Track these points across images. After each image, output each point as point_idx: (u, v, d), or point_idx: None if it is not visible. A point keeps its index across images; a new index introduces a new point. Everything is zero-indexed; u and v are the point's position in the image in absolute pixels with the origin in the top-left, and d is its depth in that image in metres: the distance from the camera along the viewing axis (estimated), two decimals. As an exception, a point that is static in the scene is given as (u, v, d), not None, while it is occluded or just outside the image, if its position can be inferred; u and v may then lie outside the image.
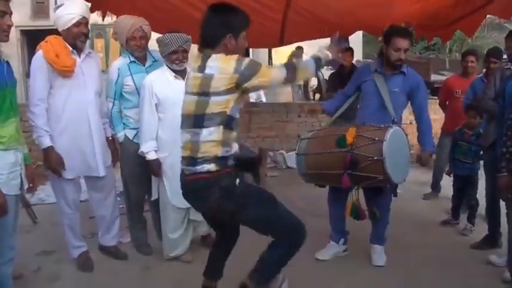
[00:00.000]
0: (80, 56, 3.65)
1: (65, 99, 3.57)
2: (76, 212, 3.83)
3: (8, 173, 2.81)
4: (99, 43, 12.59)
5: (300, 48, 11.54)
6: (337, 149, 3.58)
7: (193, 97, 2.59)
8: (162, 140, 3.73)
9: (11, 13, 2.74)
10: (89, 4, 3.85)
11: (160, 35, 3.69)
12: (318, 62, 2.68)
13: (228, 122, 2.56)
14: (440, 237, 4.65)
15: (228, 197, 2.61)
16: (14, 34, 12.22)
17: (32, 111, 3.50)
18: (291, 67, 2.57)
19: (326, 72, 9.29)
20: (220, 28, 2.55)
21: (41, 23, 11.44)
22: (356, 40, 9.13)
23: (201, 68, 2.55)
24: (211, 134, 2.55)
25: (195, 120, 2.59)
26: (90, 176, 3.81)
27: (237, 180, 2.62)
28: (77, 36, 3.55)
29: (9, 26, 2.73)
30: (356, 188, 3.73)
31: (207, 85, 2.51)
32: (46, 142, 3.52)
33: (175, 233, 3.92)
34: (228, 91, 2.50)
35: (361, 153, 3.47)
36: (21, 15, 12.01)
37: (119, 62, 3.95)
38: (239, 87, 2.51)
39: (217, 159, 2.57)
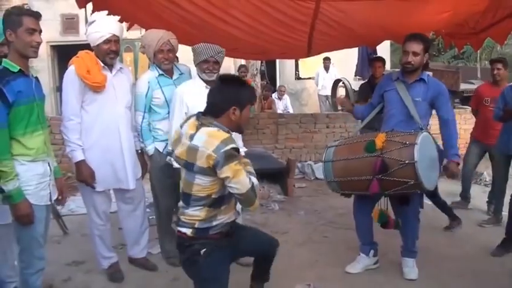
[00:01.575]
0: (111, 71, 3.71)
1: (97, 113, 3.65)
2: (107, 222, 3.88)
3: (37, 184, 2.89)
4: (128, 57, 12.78)
5: (327, 59, 11.54)
6: (366, 154, 3.54)
7: (182, 168, 2.68)
8: None
9: (40, 31, 2.85)
10: (119, 22, 3.89)
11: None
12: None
13: (213, 203, 2.62)
14: (473, 249, 4.53)
15: (192, 262, 2.71)
16: (45, 49, 12.52)
17: (65, 126, 3.58)
18: (254, 186, 2.54)
19: (355, 83, 9.25)
20: (227, 99, 2.61)
21: (70, 38, 11.73)
22: (383, 49, 9.06)
23: (191, 137, 2.59)
24: (195, 211, 2.64)
25: (183, 196, 2.69)
26: (120, 188, 3.85)
27: (203, 250, 2.65)
28: (106, 54, 3.62)
29: (39, 43, 2.84)
30: (385, 195, 3.67)
31: (192, 156, 2.54)
32: (78, 156, 3.59)
33: None
34: (210, 171, 2.51)
35: (391, 158, 3.42)
36: (51, 31, 12.31)
37: (148, 76, 3.99)
38: (214, 170, 2.51)
39: (195, 229, 2.66)
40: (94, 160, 3.65)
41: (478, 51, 14.61)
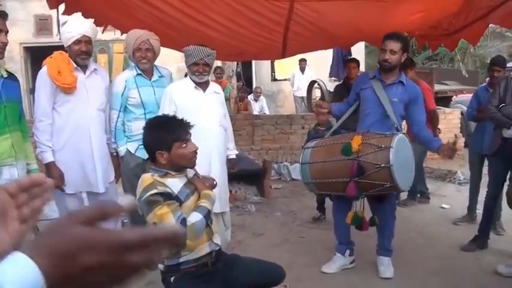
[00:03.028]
0: (84, 72, 3.66)
1: (68, 115, 3.60)
2: None
3: None
4: (103, 58, 12.63)
5: (303, 61, 11.60)
6: (342, 156, 3.56)
7: None
8: None
9: (6, 31, 2.76)
10: (90, 22, 3.84)
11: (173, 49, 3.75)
12: (208, 216, 2.56)
13: None
14: (448, 248, 4.59)
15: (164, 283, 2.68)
16: (18, 51, 12.29)
17: (36, 127, 3.55)
18: (187, 227, 2.45)
19: (330, 84, 9.29)
20: (150, 147, 2.60)
21: (44, 40, 11.53)
22: (358, 51, 9.13)
23: None
24: None
25: None
26: (91, 191, 3.80)
27: (173, 277, 2.61)
28: (77, 54, 3.58)
29: (4, 44, 2.77)
30: (362, 196, 3.70)
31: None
32: (48, 157, 3.55)
33: None
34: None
35: (367, 161, 3.45)
36: (24, 32, 12.10)
37: (126, 75, 3.95)
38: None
39: (165, 265, 2.63)
40: (64, 162, 3.60)
41: (453, 52, 14.85)
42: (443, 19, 4.60)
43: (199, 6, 4.00)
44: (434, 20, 4.38)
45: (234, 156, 4.24)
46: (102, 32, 5.41)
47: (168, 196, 2.45)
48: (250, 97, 11.31)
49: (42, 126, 3.52)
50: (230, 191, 6.42)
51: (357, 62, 6.17)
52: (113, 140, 3.93)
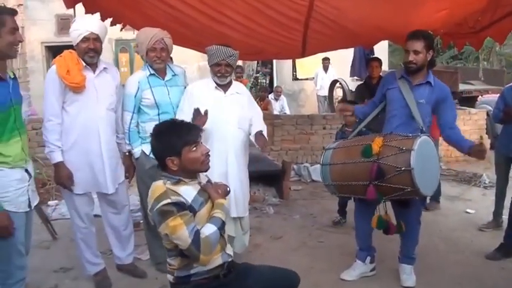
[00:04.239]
0: (94, 71, 3.59)
1: (76, 114, 3.54)
2: (90, 225, 3.75)
3: (15, 190, 2.75)
4: (124, 57, 12.72)
5: (326, 60, 11.45)
6: (362, 158, 3.44)
7: None
8: None
9: (16, 28, 2.72)
10: (98, 19, 3.77)
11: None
12: (222, 227, 2.46)
13: (184, 253, 2.43)
14: (472, 255, 4.41)
15: None
16: (40, 50, 12.43)
17: (45, 126, 3.50)
18: (197, 241, 2.33)
19: (352, 84, 9.14)
20: (159, 153, 2.50)
21: (65, 39, 11.56)
22: (381, 50, 8.96)
23: None
24: (171, 260, 2.51)
25: None
26: (101, 192, 3.74)
27: None
28: (85, 52, 3.51)
29: (20, 42, 2.72)
30: (384, 200, 3.56)
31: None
32: (57, 157, 3.50)
33: None
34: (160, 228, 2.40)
35: (388, 164, 3.32)
36: (46, 32, 12.24)
37: (139, 75, 3.87)
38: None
39: (175, 277, 2.52)
40: (73, 162, 3.54)
41: (478, 51, 14.55)
42: (469, 16, 4.43)
43: (215, 4, 3.92)
44: (460, 17, 4.20)
45: (261, 130, 3.77)
46: (121, 30, 5.38)
47: (181, 206, 2.35)
48: (271, 96, 11.20)
49: (51, 125, 3.47)
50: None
51: (379, 61, 6.02)
52: (127, 142, 3.85)
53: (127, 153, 3.91)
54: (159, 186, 2.42)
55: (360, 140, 3.64)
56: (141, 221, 4.60)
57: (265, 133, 3.79)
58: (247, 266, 2.77)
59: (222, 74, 3.68)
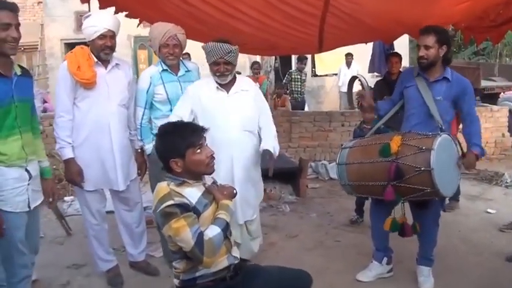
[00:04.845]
0: (106, 67, 3.55)
1: (87, 110, 3.50)
2: (102, 222, 3.72)
3: (11, 189, 2.70)
4: (142, 54, 12.74)
5: (349, 55, 11.28)
6: (380, 158, 3.34)
7: None
8: None
9: (17, 24, 2.63)
10: (114, 16, 3.72)
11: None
12: (226, 228, 2.40)
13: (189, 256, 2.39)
14: (493, 257, 4.26)
15: None
16: (59, 47, 12.53)
17: (56, 122, 3.49)
18: (200, 243, 2.27)
19: (372, 80, 9.00)
20: (163, 156, 2.46)
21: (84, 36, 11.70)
22: (401, 45, 8.77)
23: None
24: (176, 263, 2.47)
25: None
26: (113, 189, 3.71)
27: None
28: (101, 49, 3.47)
29: (15, 38, 2.61)
30: (402, 201, 3.45)
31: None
32: (67, 154, 3.48)
33: None
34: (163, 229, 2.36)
35: (406, 163, 3.21)
36: (65, 29, 12.33)
37: (151, 70, 3.82)
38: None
39: (181, 280, 2.47)
40: (84, 158, 3.51)
41: (499, 47, 14.22)
42: (490, 9, 4.26)
43: (230, 0, 3.83)
44: (481, 9, 4.05)
45: (269, 149, 3.57)
46: (138, 26, 5.34)
47: (185, 207, 2.31)
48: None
49: (62, 122, 3.45)
50: (264, 190, 6.28)
51: (399, 56, 5.88)
52: (139, 138, 3.81)
53: (139, 150, 3.86)
54: (163, 187, 2.39)
55: (378, 139, 3.54)
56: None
57: (276, 149, 3.62)
58: (255, 267, 2.71)
59: (222, 73, 3.47)
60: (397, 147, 3.26)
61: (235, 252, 2.56)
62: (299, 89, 10.53)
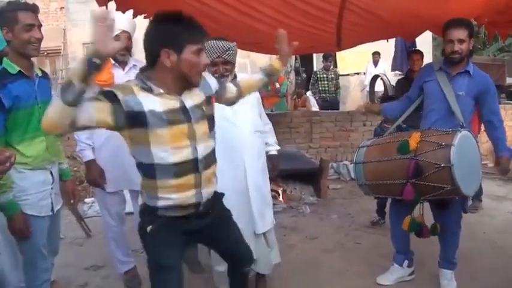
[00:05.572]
0: (123, 68, 3.55)
1: None
2: (120, 224, 3.73)
3: (36, 193, 2.71)
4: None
5: (376, 54, 11.11)
6: (399, 155, 3.24)
7: None
8: None
9: (39, 25, 2.65)
10: (129, 17, 3.72)
11: None
12: (67, 86, 1.85)
13: (145, 171, 2.21)
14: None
15: (140, 235, 2.32)
16: (81, 51, 12.72)
17: None
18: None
19: (394, 79, 8.86)
20: (154, 42, 2.07)
21: (105, 39, 11.89)
22: (424, 42, 8.62)
23: None
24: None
25: None
26: (134, 190, 3.69)
27: (149, 228, 2.24)
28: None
29: (38, 39, 2.63)
30: (421, 201, 3.35)
31: None
32: (88, 155, 3.48)
33: (222, 266, 3.23)
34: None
35: (426, 160, 3.11)
36: (88, 32, 12.46)
37: None
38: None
39: (143, 203, 2.31)
40: (104, 160, 3.52)
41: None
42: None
43: (245, -2, 3.78)
44: (502, 3, 3.89)
45: (274, 153, 3.57)
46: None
47: (107, 94, 1.99)
48: (309, 93, 10.99)
49: None
50: (284, 191, 6.23)
51: (420, 53, 5.76)
52: None
53: None
54: (129, 83, 2.12)
55: (396, 137, 3.45)
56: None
57: (271, 132, 3.58)
58: (226, 219, 2.56)
59: (221, 73, 3.13)
60: (416, 144, 3.17)
61: (207, 192, 2.31)
62: (326, 88, 10.26)
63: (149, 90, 2.09)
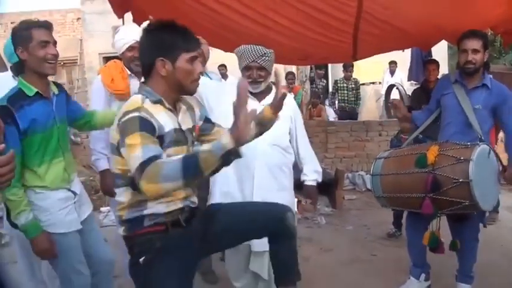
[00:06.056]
0: (139, 78, 3.57)
1: None
2: None
3: (59, 210, 2.64)
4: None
5: (393, 63, 11.05)
6: (416, 169, 3.20)
7: None
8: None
9: (54, 42, 2.60)
10: (139, 28, 3.73)
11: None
12: (194, 166, 1.79)
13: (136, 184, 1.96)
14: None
15: (134, 272, 2.16)
16: (98, 61, 12.89)
17: (91, 134, 3.51)
18: (146, 163, 1.81)
19: (410, 88, 8.80)
20: (149, 51, 2.06)
21: (122, 50, 12.02)
22: (439, 52, 8.54)
23: None
24: (120, 195, 2.10)
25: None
26: None
27: (142, 259, 2.07)
28: (131, 61, 3.50)
29: (54, 56, 2.57)
30: (438, 214, 3.30)
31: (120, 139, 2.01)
32: (102, 165, 3.48)
33: (239, 281, 3.22)
34: (116, 149, 2.03)
35: (444, 175, 3.06)
36: (104, 43, 12.64)
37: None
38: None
39: (125, 222, 2.11)
40: None
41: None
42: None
43: (260, 8, 3.79)
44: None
45: (311, 183, 3.34)
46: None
47: (148, 126, 1.93)
48: (326, 102, 10.95)
49: (98, 134, 3.46)
50: (299, 201, 6.17)
51: (436, 63, 5.69)
52: None
53: None
54: (136, 100, 2.01)
55: (414, 149, 3.41)
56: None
57: (309, 158, 3.29)
58: (214, 209, 2.39)
59: (254, 79, 2.96)
60: (434, 157, 3.12)
61: (194, 199, 2.24)
62: (346, 98, 10.09)
63: (160, 102, 2.06)
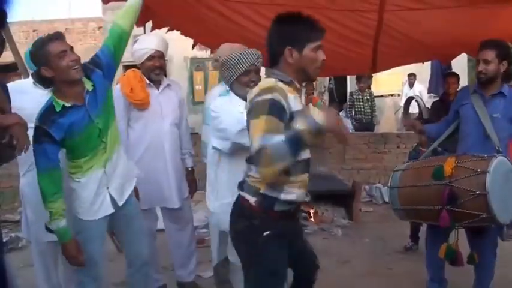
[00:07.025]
0: (158, 88, 3.63)
1: (142, 131, 3.60)
2: (152, 241, 3.73)
3: (90, 204, 2.80)
4: (198, 76, 12.93)
5: (412, 75, 11.00)
6: (433, 181, 3.19)
7: None
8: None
9: (71, 48, 2.64)
10: (161, 37, 3.78)
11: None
12: (297, 141, 1.98)
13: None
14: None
15: (246, 240, 2.34)
16: (119, 69, 12.99)
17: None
18: (265, 149, 1.96)
19: (430, 101, 8.75)
20: (278, 41, 2.25)
21: (143, 58, 12.10)
22: (460, 65, 8.49)
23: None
24: (256, 173, 2.23)
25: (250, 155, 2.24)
26: (167, 207, 3.72)
27: (267, 233, 2.26)
28: (151, 70, 3.57)
29: (75, 60, 2.62)
30: (456, 227, 3.27)
31: (247, 114, 2.21)
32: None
33: None
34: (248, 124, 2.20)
35: (461, 187, 3.05)
36: (125, 52, 12.80)
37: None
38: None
39: (261, 195, 2.27)
40: (139, 177, 3.53)
41: None
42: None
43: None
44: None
45: None
46: (192, 48, 5.41)
47: (277, 109, 2.07)
48: (342, 113, 10.90)
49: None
50: (316, 212, 6.17)
51: (456, 76, 5.67)
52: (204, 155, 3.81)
53: (190, 169, 3.89)
54: (270, 80, 2.21)
55: (431, 161, 3.40)
56: (206, 238, 4.56)
57: None
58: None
59: (255, 82, 2.90)
60: (451, 169, 3.11)
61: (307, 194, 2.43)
62: (362, 109, 10.07)
63: (291, 83, 2.24)
